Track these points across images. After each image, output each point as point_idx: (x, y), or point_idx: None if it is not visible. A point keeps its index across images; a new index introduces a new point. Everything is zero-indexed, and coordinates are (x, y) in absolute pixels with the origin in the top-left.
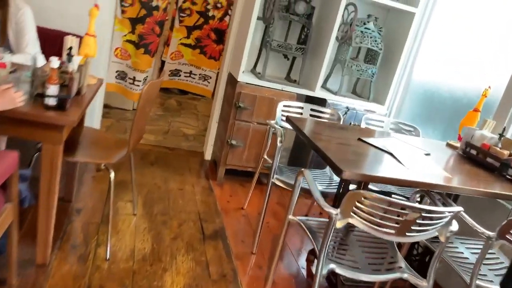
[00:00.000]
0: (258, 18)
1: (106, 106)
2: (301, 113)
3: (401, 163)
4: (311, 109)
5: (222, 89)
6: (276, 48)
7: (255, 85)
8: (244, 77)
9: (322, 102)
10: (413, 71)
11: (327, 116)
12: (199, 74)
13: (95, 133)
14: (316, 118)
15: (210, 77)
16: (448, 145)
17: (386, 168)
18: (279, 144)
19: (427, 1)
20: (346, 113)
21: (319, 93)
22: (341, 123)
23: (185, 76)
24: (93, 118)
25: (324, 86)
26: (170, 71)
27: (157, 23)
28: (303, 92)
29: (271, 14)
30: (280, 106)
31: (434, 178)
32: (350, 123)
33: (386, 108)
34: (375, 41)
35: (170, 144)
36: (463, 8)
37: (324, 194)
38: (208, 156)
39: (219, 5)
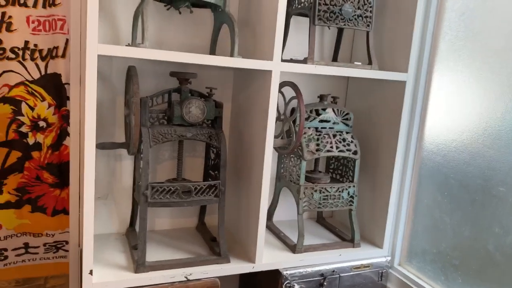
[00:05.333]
0: (104, 146)
1: None
2: None
3: None
4: None
5: None
6: (160, 200)
7: None
8: None
9: (270, 278)
10: (422, 174)
11: None
12: (45, 245)
13: None
14: None
15: (67, 242)
16: None
17: None
18: None
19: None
20: (322, 285)
21: (263, 260)
22: None
23: (17, 255)
24: None
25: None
26: None
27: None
28: (234, 269)
29: (130, 135)
30: None
31: None
32: None
33: (386, 250)
34: (343, 140)
35: None
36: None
37: None
38: None
39: (42, 124)
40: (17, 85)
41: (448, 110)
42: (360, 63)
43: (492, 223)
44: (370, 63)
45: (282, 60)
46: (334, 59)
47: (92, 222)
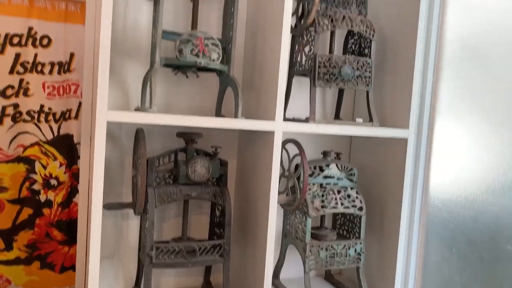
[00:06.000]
0: (111, 207)
1: None
2: None
3: None
4: None
5: None
6: (165, 261)
7: None
8: None
9: None
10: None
11: None
12: None
13: None
14: None
15: None
16: None
17: None
18: None
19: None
20: None
21: None
22: None
23: None
24: None
25: None
26: None
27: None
28: None
29: (137, 196)
30: None
31: None
32: None
33: None
34: (348, 196)
35: None
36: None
37: None
38: None
39: (54, 182)
40: (32, 145)
41: (452, 165)
42: (361, 120)
43: (502, 282)
44: (371, 120)
45: (285, 119)
46: (337, 115)
47: (97, 282)
